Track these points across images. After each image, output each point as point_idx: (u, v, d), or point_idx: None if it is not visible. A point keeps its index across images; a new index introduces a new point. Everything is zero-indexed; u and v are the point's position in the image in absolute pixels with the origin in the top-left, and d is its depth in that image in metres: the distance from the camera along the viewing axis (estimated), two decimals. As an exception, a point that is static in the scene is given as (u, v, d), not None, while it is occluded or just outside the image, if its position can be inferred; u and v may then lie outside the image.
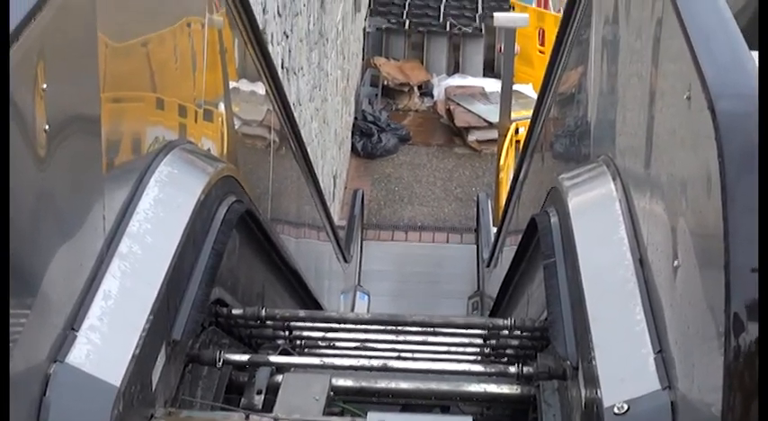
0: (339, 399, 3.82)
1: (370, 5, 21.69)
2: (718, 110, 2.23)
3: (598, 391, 2.88)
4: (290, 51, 11.07)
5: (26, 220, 2.50)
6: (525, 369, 3.91)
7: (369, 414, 3.50)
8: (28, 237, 2.51)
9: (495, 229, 12.17)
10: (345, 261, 11.94)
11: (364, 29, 21.10)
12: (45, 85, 2.52)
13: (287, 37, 10.91)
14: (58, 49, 2.63)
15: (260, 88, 6.34)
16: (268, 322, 4.43)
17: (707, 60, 2.39)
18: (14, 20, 2.31)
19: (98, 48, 3.00)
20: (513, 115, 15.51)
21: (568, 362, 3.39)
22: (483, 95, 19.95)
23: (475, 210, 15.05)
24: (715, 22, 2.55)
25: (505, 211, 9.87)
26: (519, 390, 3.94)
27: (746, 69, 2.36)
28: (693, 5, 2.65)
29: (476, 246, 13.93)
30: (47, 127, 2.54)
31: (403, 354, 4.43)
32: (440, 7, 22.33)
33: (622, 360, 2.96)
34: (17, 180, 2.39)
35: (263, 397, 3.77)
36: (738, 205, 2.18)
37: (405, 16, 22.02)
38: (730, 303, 2.17)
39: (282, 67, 10.23)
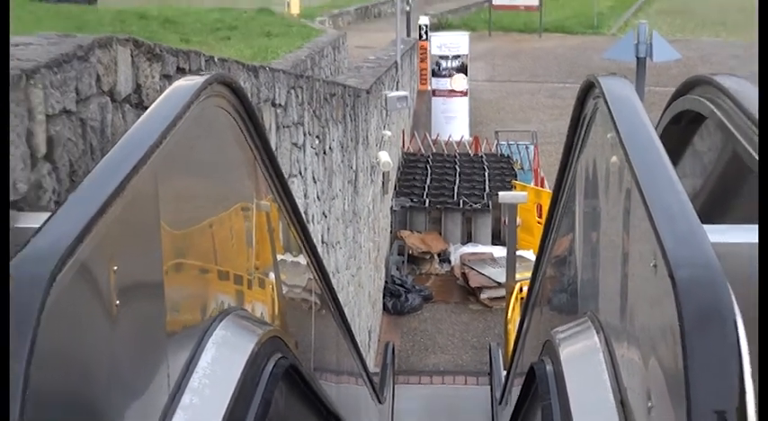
0: None
1: (395, 188, 21.82)
2: (677, 277, 2.20)
3: None
4: (328, 229, 11.17)
5: (101, 381, 2.48)
6: None
7: None
8: (102, 396, 2.50)
9: (504, 373, 12.11)
10: (380, 402, 11.80)
11: (391, 207, 21.21)
12: (116, 267, 2.52)
13: (325, 216, 11.02)
14: (127, 236, 2.64)
15: (302, 260, 6.36)
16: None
17: (667, 236, 2.35)
18: (88, 213, 2.32)
19: (161, 231, 3.01)
20: (518, 276, 15.51)
21: None
22: (492, 260, 19.92)
23: (488, 356, 14.94)
24: (674, 202, 2.53)
25: (512, 358, 9.83)
26: None
27: (701, 243, 2.33)
28: (655, 189, 2.63)
29: (489, 387, 13.80)
30: (117, 302, 2.54)
31: None
32: (454, 188, 22.43)
33: None
34: (93, 347, 2.39)
35: None
36: (697, 359, 2.11)
37: (425, 196, 22.12)
38: None
39: (322, 242, 10.31)
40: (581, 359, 3.60)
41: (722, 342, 2.06)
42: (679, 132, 4.10)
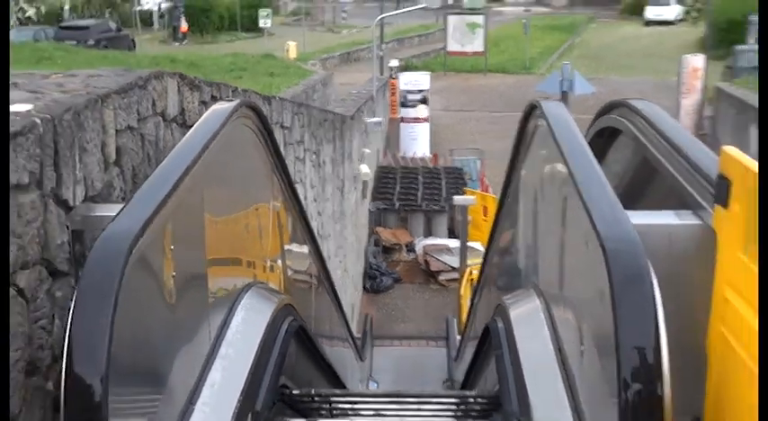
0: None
1: (372, 193, 21.85)
2: (607, 249, 2.24)
3: None
4: (322, 225, 11.21)
5: (163, 332, 2.54)
6: None
7: None
8: (164, 343, 2.55)
9: (458, 337, 12.20)
10: (362, 360, 11.84)
11: (369, 209, 21.24)
12: (172, 247, 2.57)
13: (320, 215, 11.06)
14: (179, 224, 2.68)
15: (305, 249, 6.40)
16: (316, 398, 4.39)
17: (599, 219, 2.39)
18: (151, 207, 2.37)
19: (204, 222, 3.06)
20: (468, 262, 15.55)
21: (514, 418, 3.29)
22: (448, 250, 19.93)
23: (445, 325, 15.01)
24: (603, 194, 2.55)
25: (466, 325, 9.93)
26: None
27: (625, 224, 2.35)
28: (588, 186, 2.65)
29: (446, 348, 13.85)
30: (174, 273, 2.59)
31: (404, 419, 4.37)
32: (418, 194, 22.47)
33: (550, 415, 2.91)
34: (157, 306, 2.44)
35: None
36: (623, 309, 2.14)
37: (395, 200, 22.13)
38: (620, 372, 2.11)
39: (318, 235, 10.37)
40: (526, 318, 3.65)
41: (643, 296, 2.12)
42: (602, 143, 4.15)
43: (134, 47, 39.04)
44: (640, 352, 2.10)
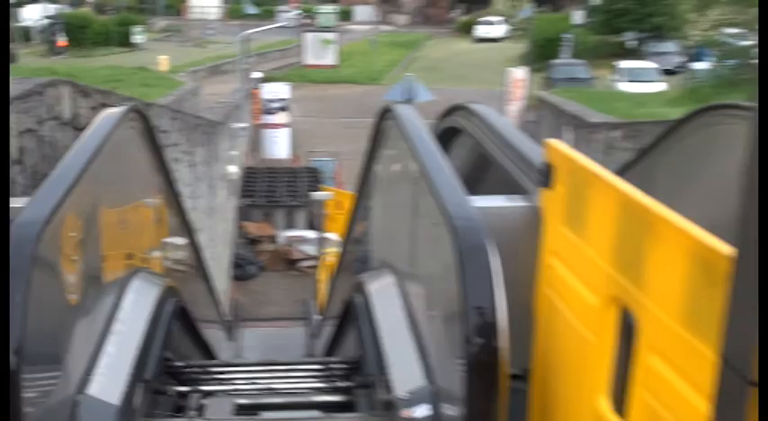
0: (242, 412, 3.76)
1: (240, 191, 21.68)
2: (455, 226, 2.32)
3: (392, 390, 2.84)
4: (196, 219, 11.12)
5: (65, 307, 2.54)
6: (348, 384, 3.89)
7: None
8: (65, 318, 2.55)
9: (317, 317, 12.28)
10: (232, 340, 11.78)
11: (237, 205, 21.07)
12: (73, 234, 2.57)
13: (194, 210, 10.97)
14: (78, 215, 2.68)
15: (184, 240, 6.34)
16: (196, 368, 4.37)
17: (447, 202, 2.47)
18: (54, 199, 2.38)
19: (99, 214, 3.05)
20: (325, 250, 15.64)
21: (373, 378, 3.37)
22: (307, 240, 19.98)
23: (304, 307, 15.08)
24: (449, 182, 2.64)
25: (324, 306, 9.99)
26: (345, 398, 3.92)
27: (468, 206, 2.44)
28: (437, 175, 2.73)
29: (306, 327, 13.91)
30: (75, 257, 2.59)
31: (275, 383, 4.38)
32: (279, 191, 22.44)
33: (404, 372, 2.92)
34: (60, 285, 2.45)
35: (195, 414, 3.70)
36: (468, 275, 2.23)
37: (260, 197, 22.05)
38: (465, 329, 2.19)
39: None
40: (382, 292, 3.70)
41: (483, 265, 2.23)
42: (446, 139, 4.25)
43: (15, 60, 37.57)
44: (481, 311, 2.20)
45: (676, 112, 4.75)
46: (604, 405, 2.07)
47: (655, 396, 1.74)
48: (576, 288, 2.27)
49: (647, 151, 4.23)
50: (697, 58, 35.32)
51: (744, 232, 1.22)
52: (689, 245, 1.61)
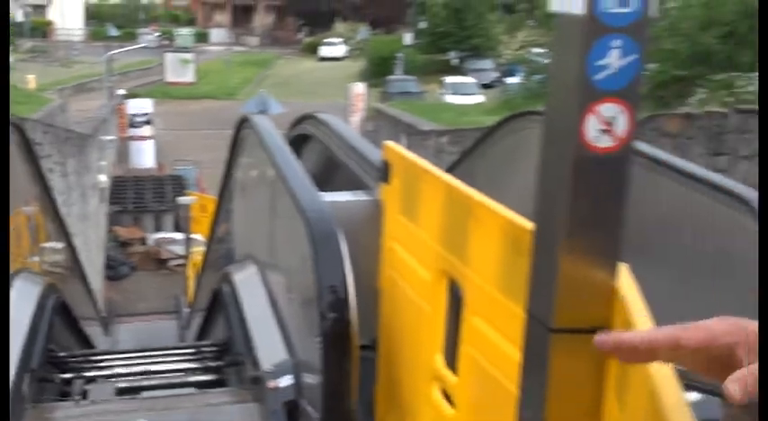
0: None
1: (109, 198, 21.01)
2: (308, 217, 2.37)
3: (259, 366, 2.86)
4: (70, 224, 10.75)
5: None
6: (218, 363, 3.87)
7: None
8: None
9: (186, 310, 12.05)
10: (108, 335, 11.44)
11: (107, 211, 20.41)
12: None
13: (68, 216, 10.60)
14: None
15: (62, 243, 6.17)
16: (78, 358, 4.27)
17: (301, 198, 2.51)
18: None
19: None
20: (192, 250, 15.33)
21: (241, 357, 3.36)
22: (175, 241, 19.54)
23: (175, 301, 14.74)
24: (302, 181, 2.68)
25: (193, 300, 9.83)
26: (217, 376, 3.91)
27: (319, 200, 2.49)
28: (291, 176, 2.76)
29: (176, 320, 13.62)
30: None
31: (152, 367, 4.30)
32: (147, 197, 21.89)
33: (269, 349, 2.93)
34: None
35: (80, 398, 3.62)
36: (320, 259, 2.28)
37: (128, 203, 21.45)
38: (320, 306, 2.25)
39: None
40: (246, 281, 3.69)
41: (334, 250, 2.29)
42: (297, 145, 4.29)
43: None
44: (333, 290, 2.25)
45: (492, 120, 4.98)
46: (439, 361, 2.18)
47: (478, 350, 1.86)
48: (412, 266, 2.37)
49: (467, 153, 4.42)
50: (509, 74, 36.56)
51: (540, 210, 1.35)
52: (501, 223, 1.73)
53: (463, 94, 34.64)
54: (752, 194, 2.79)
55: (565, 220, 1.27)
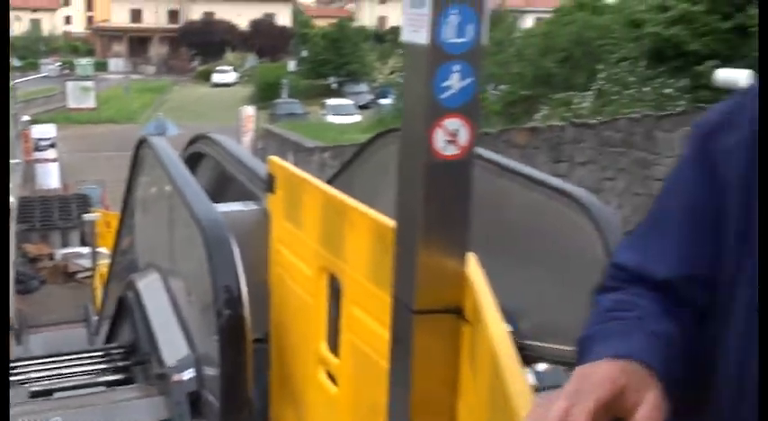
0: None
1: (18, 217, 20.00)
2: (203, 226, 2.35)
3: (163, 362, 2.79)
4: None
5: None
6: (126, 363, 3.73)
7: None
8: None
9: (95, 318, 11.58)
10: (19, 345, 10.95)
11: (16, 230, 19.40)
12: None
13: (-23, 235, 10.02)
14: None
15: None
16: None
17: (195, 209, 2.49)
18: None
19: None
20: (98, 263, 14.71)
21: (147, 356, 3.26)
22: (82, 255, 18.78)
23: (84, 310, 14.18)
24: (197, 195, 2.65)
25: (100, 308, 9.44)
26: (125, 375, 3.79)
27: (213, 210, 2.47)
28: (187, 190, 2.72)
29: (86, 328, 13.09)
30: None
31: (63, 370, 4.11)
32: (54, 215, 21.00)
33: (172, 347, 2.85)
34: None
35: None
36: (215, 262, 2.26)
37: (36, 221, 20.51)
38: (216, 303, 2.23)
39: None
40: (149, 286, 3.56)
41: (226, 253, 2.28)
42: (192, 162, 4.22)
43: None
44: (228, 289, 2.23)
45: (367, 137, 5.05)
46: (324, 348, 2.21)
47: (356, 334, 1.91)
48: (297, 265, 2.39)
49: (345, 166, 4.48)
50: (382, 96, 36.96)
51: (400, 211, 1.41)
52: (370, 224, 1.79)
53: (342, 114, 34.81)
54: (585, 195, 2.93)
55: (421, 218, 1.34)
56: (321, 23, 59.75)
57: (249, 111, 29.10)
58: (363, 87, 44.27)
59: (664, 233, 0.98)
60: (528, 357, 2.82)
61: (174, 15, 67.99)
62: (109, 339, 6.66)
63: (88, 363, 4.36)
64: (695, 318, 0.96)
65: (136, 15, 68.57)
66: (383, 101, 35.15)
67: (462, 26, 1.23)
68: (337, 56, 46.05)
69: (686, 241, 0.96)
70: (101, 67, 59.15)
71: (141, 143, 4.03)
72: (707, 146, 0.96)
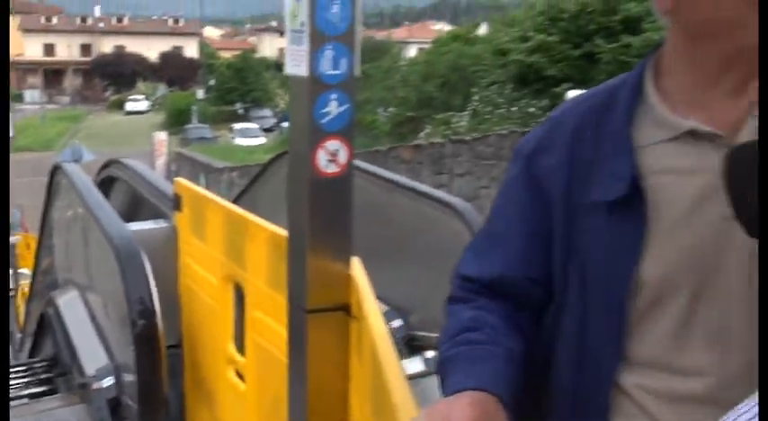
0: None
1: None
2: (116, 244, 2.28)
3: (84, 372, 2.71)
4: None
5: None
6: (49, 375, 3.55)
7: None
8: None
9: (18, 335, 10.86)
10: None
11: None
12: None
13: None
14: None
15: None
16: None
17: (108, 230, 2.38)
18: None
19: None
20: (21, 282, 13.94)
21: (68, 368, 3.15)
22: (3, 276, 17.70)
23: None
24: (109, 216, 2.57)
25: (24, 325, 8.90)
26: (48, 387, 3.61)
27: (125, 230, 2.40)
28: (100, 212, 2.65)
29: (10, 346, 12.33)
30: None
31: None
32: (-26, 240, 19.74)
33: (92, 358, 2.77)
34: None
35: None
36: (128, 276, 2.20)
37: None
38: (131, 315, 2.19)
39: None
40: (69, 302, 3.43)
41: (138, 268, 2.23)
42: (105, 186, 4.10)
43: None
44: (141, 300, 2.19)
45: (270, 157, 5.02)
46: (231, 349, 2.20)
47: (259, 334, 1.91)
48: (204, 275, 2.36)
49: (250, 184, 4.44)
50: (284, 119, 36.83)
51: (291, 222, 1.44)
52: (267, 236, 1.80)
53: (249, 136, 34.42)
54: (459, 203, 3.00)
55: (308, 228, 1.36)
56: (226, 55, 58.99)
57: (162, 136, 28.28)
58: (267, 112, 43.97)
59: (499, 243, 1.01)
60: (418, 346, 2.89)
61: (86, 49, 65.56)
62: (32, 354, 6.33)
63: (13, 378, 4.15)
64: (533, 320, 1.01)
65: (49, 49, 65.70)
66: (285, 124, 35.01)
67: (337, 60, 1.27)
68: (242, 84, 45.59)
69: (521, 248, 0.99)
70: (17, 98, 56.30)
71: (55, 169, 3.89)
72: (530, 166, 0.98)
